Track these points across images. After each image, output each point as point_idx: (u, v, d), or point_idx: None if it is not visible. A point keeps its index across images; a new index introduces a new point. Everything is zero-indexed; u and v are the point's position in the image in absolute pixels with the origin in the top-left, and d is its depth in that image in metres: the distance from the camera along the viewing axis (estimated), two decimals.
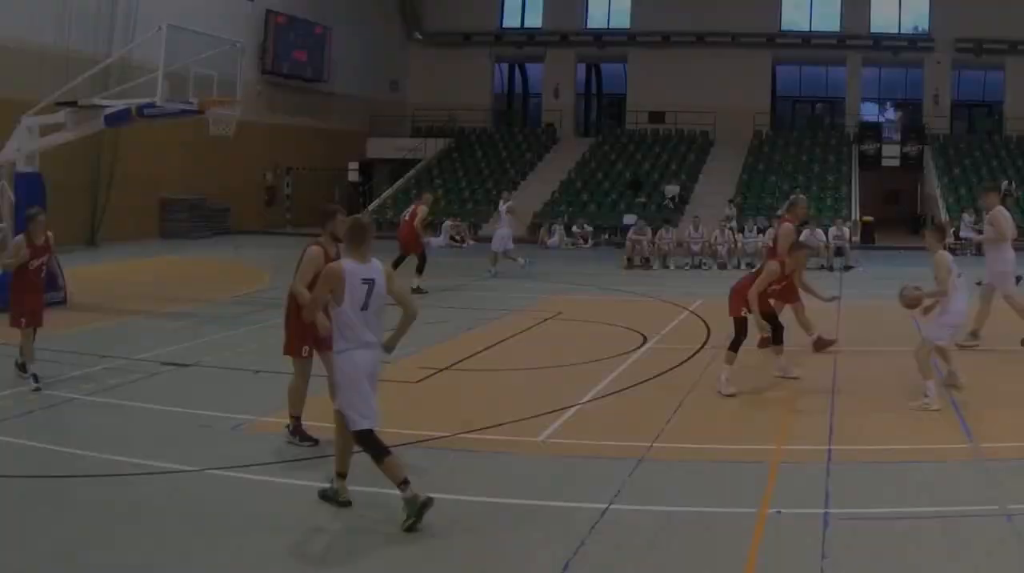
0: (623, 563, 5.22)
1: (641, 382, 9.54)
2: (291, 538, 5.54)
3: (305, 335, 7.28)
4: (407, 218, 17.32)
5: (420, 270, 16.56)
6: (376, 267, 5.96)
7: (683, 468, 6.83)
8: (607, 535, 5.58)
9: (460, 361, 10.44)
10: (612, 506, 6.00)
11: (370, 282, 5.87)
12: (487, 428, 7.81)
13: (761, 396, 9.16)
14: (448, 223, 28.36)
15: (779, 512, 5.91)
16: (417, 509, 5.55)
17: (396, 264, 16.28)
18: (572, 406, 8.53)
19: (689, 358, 10.71)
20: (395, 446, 7.25)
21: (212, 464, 6.78)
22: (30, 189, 14.08)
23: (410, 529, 5.53)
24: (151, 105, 13.85)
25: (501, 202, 20.97)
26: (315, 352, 7.40)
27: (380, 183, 35.94)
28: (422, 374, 9.75)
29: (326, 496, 6.05)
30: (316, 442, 7.27)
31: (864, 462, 6.94)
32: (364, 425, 5.86)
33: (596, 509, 5.93)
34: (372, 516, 5.90)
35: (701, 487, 6.44)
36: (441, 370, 10.01)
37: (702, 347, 11.36)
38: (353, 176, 35.92)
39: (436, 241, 27.80)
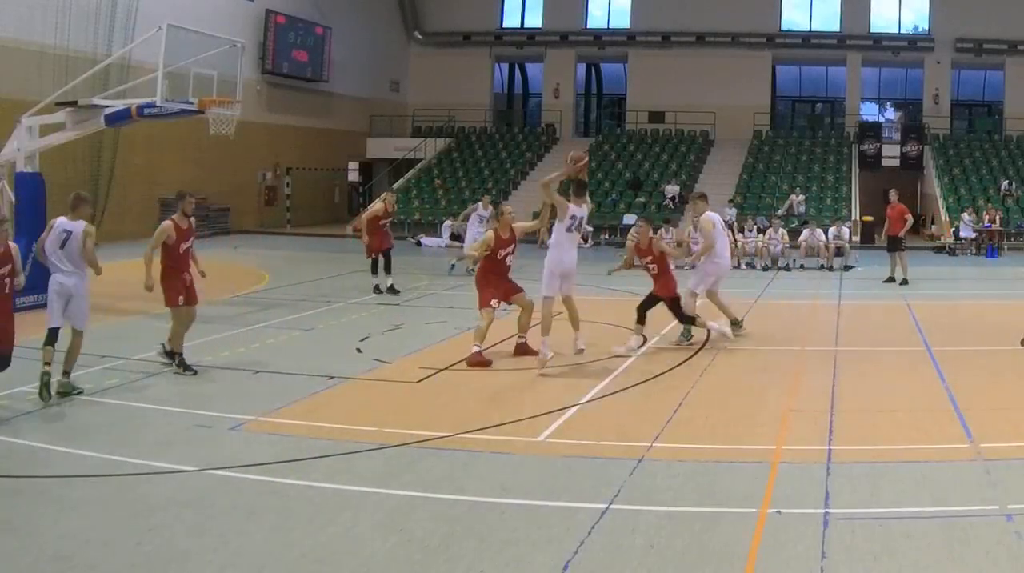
0: (623, 563, 5.22)
1: (641, 382, 9.54)
2: (291, 538, 5.54)
3: (179, 289, 9.81)
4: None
5: (386, 269, 16.14)
6: (79, 226, 8.79)
7: (683, 468, 6.82)
8: (607, 535, 5.58)
9: (460, 361, 10.43)
10: (612, 506, 6.00)
11: (68, 233, 8.77)
12: (487, 428, 7.82)
13: (761, 396, 9.16)
14: (449, 223, 28.35)
15: (779, 512, 5.91)
16: (41, 383, 8.42)
17: (374, 268, 16.09)
18: (572, 406, 8.53)
19: (689, 358, 10.71)
20: (395, 446, 7.29)
21: (212, 464, 6.78)
22: (30, 189, 14.09)
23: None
24: (151, 105, 13.84)
25: (481, 206, 20.27)
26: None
27: (380, 183, 35.95)
28: (422, 374, 9.76)
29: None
30: (196, 372, 9.61)
31: (864, 462, 6.94)
32: (52, 324, 8.80)
33: (596, 509, 5.93)
34: (373, 516, 5.90)
35: (701, 487, 6.43)
36: (441, 370, 10.01)
37: (702, 347, 11.37)
38: (353, 176, 35.96)
39: (436, 241, 27.83)
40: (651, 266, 11.42)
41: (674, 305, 11.36)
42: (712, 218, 12.17)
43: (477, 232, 19.52)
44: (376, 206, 16.88)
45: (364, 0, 35.93)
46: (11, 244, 8.31)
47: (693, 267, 12.07)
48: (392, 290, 15.92)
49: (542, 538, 5.54)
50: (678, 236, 23.20)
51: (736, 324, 11.89)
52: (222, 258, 22.04)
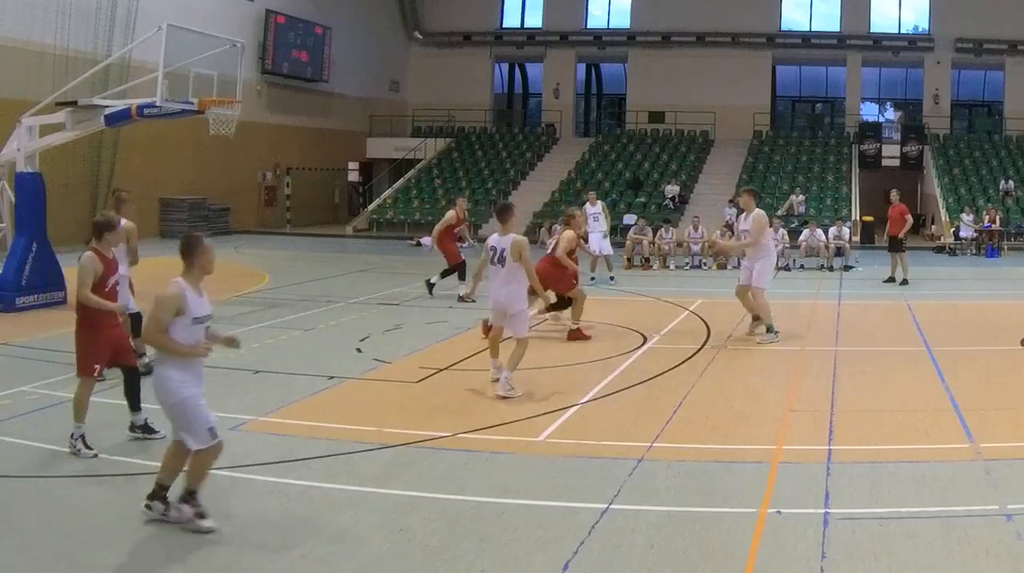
0: (623, 563, 5.22)
1: (641, 382, 9.54)
2: (291, 538, 5.54)
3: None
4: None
5: (455, 275, 15.92)
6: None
7: (683, 468, 6.83)
8: (607, 535, 5.58)
9: (460, 361, 10.44)
10: (612, 506, 6.00)
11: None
12: (487, 428, 7.81)
13: (761, 396, 9.16)
14: None
15: (779, 512, 5.91)
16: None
17: (461, 273, 15.76)
18: (572, 406, 8.53)
19: (689, 358, 10.72)
20: (396, 446, 7.28)
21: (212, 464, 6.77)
22: (30, 189, 14.09)
23: None
24: (151, 105, 13.84)
25: (588, 204, 18.64)
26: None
27: (380, 183, 35.96)
28: (422, 374, 9.76)
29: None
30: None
31: (864, 462, 6.94)
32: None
33: (596, 509, 5.93)
34: (373, 516, 5.90)
35: (701, 487, 6.43)
36: (441, 370, 10.01)
37: (702, 347, 11.37)
38: (353, 176, 35.95)
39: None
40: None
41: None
42: (764, 215, 12.14)
43: (596, 231, 18.11)
44: (449, 214, 16.08)
45: (364, 0, 35.93)
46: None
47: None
48: (431, 286, 15.62)
49: (542, 538, 5.55)
50: (677, 236, 23.24)
51: (771, 330, 11.82)
52: (222, 258, 22.04)
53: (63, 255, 15.33)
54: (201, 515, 5.56)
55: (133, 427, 7.33)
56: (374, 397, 9.04)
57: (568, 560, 5.22)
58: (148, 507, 5.69)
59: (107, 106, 14.43)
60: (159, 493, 5.70)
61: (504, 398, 8.74)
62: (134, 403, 7.34)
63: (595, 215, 18.24)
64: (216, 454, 5.69)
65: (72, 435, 6.97)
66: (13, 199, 14.47)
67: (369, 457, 7.09)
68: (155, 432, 7.26)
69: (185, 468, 5.70)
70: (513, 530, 5.70)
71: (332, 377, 9.60)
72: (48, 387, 8.91)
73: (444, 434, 7.56)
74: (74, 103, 14.39)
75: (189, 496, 5.60)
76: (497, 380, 9.06)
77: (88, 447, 6.94)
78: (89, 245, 7.53)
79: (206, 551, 5.34)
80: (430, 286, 15.78)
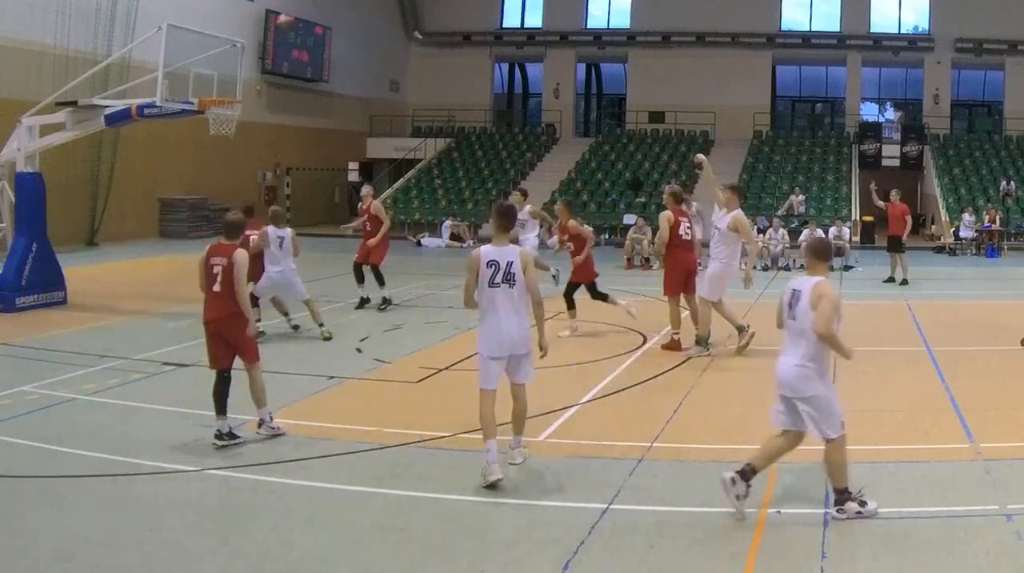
0: (623, 563, 5.22)
1: (641, 382, 9.54)
2: (291, 538, 5.54)
3: None
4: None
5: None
6: (288, 232, 12.05)
7: (683, 468, 6.83)
8: (607, 535, 5.58)
9: (460, 361, 10.42)
10: (612, 506, 6.00)
11: (281, 238, 12.01)
12: None
13: (761, 396, 9.14)
14: (449, 223, 28.43)
15: (779, 512, 5.91)
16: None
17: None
18: (572, 406, 8.53)
19: (689, 358, 10.71)
20: (396, 446, 7.28)
21: (212, 464, 6.79)
22: (30, 189, 14.09)
23: None
24: (151, 105, 13.82)
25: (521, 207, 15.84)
26: None
27: (380, 183, 35.94)
28: (422, 374, 9.76)
29: None
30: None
31: (864, 462, 6.92)
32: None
33: (596, 509, 5.93)
34: (373, 516, 5.91)
35: (701, 487, 6.43)
36: (441, 370, 10.01)
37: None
38: (353, 176, 35.95)
39: (436, 241, 27.87)
40: (568, 245, 12.29)
41: (592, 289, 12.22)
42: (744, 218, 11.20)
43: (530, 237, 15.35)
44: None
45: (364, 0, 35.93)
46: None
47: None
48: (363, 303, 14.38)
49: (542, 538, 5.55)
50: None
51: (742, 330, 11.25)
52: None
53: (63, 255, 15.36)
54: (863, 503, 5.80)
55: (261, 423, 7.48)
56: (374, 397, 9.04)
57: (568, 560, 5.22)
58: (732, 481, 5.83)
59: (107, 106, 14.42)
60: (750, 475, 5.89)
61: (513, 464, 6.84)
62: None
63: (523, 222, 14.83)
64: (845, 443, 5.96)
65: (261, 423, 7.43)
66: (13, 199, 14.47)
67: (369, 457, 7.09)
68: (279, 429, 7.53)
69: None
70: (514, 530, 5.70)
71: (332, 377, 9.60)
72: (48, 387, 8.93)
73: (444, 434, 7.55)
74: (74, 103, 14.38)
75: (841, 494, 5.80)
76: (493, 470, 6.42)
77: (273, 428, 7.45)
78: (234, 245, 7.46)
79: (205, 551, 5.34)
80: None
